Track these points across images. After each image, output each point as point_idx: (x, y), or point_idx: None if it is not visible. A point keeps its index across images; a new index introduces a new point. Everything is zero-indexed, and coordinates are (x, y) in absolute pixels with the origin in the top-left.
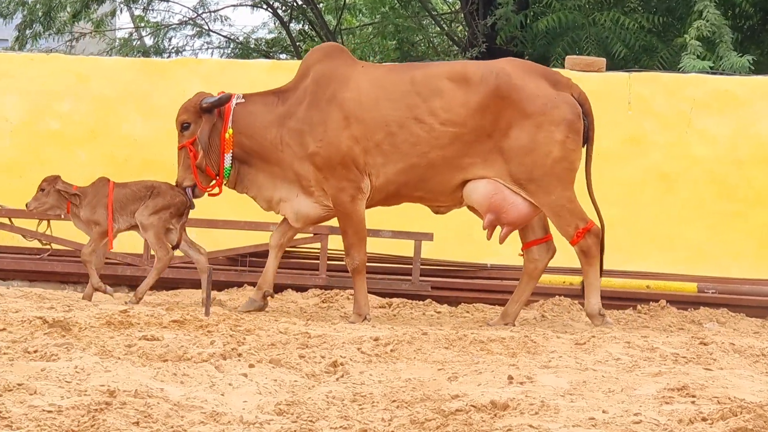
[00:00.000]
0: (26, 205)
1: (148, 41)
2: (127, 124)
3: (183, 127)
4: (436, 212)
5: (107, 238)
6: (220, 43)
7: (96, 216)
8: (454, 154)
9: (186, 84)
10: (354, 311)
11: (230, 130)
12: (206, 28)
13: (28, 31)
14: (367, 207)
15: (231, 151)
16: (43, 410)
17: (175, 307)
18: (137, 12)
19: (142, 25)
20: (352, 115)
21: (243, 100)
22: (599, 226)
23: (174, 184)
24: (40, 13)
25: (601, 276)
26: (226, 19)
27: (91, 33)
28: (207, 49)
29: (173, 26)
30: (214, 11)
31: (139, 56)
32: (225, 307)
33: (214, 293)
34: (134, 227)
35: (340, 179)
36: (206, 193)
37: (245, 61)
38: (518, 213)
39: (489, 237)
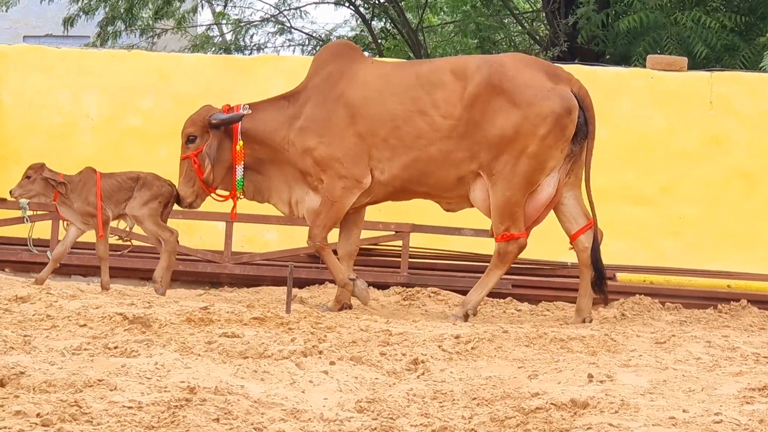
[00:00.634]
0: (10, 192)
1: (229, 38)
2: None
3: (189, 139)
4: (447, 210)
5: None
6: (301, 40)
7: (90, 207)
8: (450, 149)
9: (267, 81)
10: (336, 281)
11: (240, 142)
12: (288, 25)
13: (109, 28)
14: (374, 202)
15: (242, 162)
16: (124, 406)
17: (256, 304)
18: (218, 8)
19: (224, 21)
20: (359, 112)
21: (250, 111)
22: (590, 222)
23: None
24: (122, 10)
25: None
26: (306, 15)
27: (172, 30)
28: (288, 46)
29: (255, 23)
30: (296, 8)
31: (220, 53)
32: (306, 305)
33: (295, 290)
34: (119, 217)
35: (340, 171)
36: (200, 204)
37: None
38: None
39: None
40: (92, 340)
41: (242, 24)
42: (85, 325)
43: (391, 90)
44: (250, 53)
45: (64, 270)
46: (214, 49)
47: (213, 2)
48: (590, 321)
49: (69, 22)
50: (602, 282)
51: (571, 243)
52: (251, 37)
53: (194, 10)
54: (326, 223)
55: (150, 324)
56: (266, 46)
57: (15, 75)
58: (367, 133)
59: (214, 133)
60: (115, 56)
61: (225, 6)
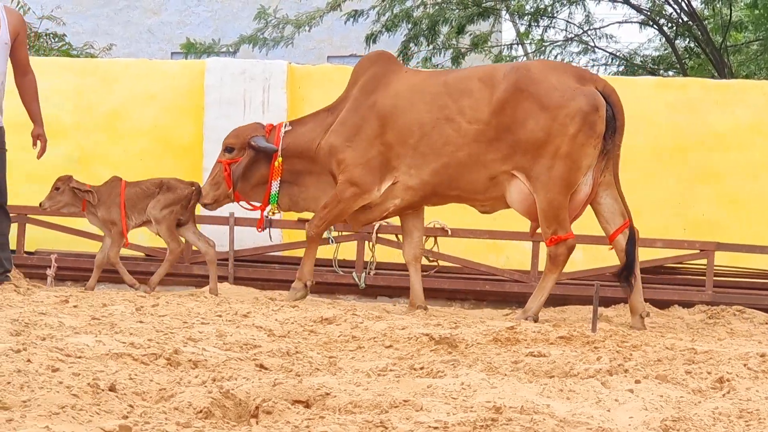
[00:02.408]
0: (40, 204)
1: (534, 59)
2: None
3: (227, 148)
4: (483, 212)
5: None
6: (605, 59)
7: (112, 216)
8: (479, 152)
9: None
10: (297, 277)
11: (279, 159)
12: (592, 44)
13: (412, 45)
14: (408, 208)
15: (279, 178)
16: (429, 426)
17: (562, 323)
18: (522, 28)
19: (528, 41)
20: (389, 121)
21: (290, 128)
22: (628, 220)
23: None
24: (424, 27)
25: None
26: (611, 37)
27: (475, 49)
28: (592, 66)
29: (558, 43)
30: (599, 28)
31: None
32: (612, 323)
33: (601, 309)
34: (146, 223)
35: (355, 178)
36: (217, 209)
37: (631, 78)
38: None
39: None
40: (398, 360)
41: (546, 44)
42: (390, 346)
43: (420, 99)
44: None
45: (371, 292)
46: None
47: (516, 22)
48: (647, 315)
49: (371, 38)
50: (629, 274)
51: (610, 242)
52: (555, 56)
53: (491, 28)
54: (328, 218)
55: (456, 344)
56: None
57: (319, 94)
58: (396, 141)
59: (248, 152)
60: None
61: (529, 26)
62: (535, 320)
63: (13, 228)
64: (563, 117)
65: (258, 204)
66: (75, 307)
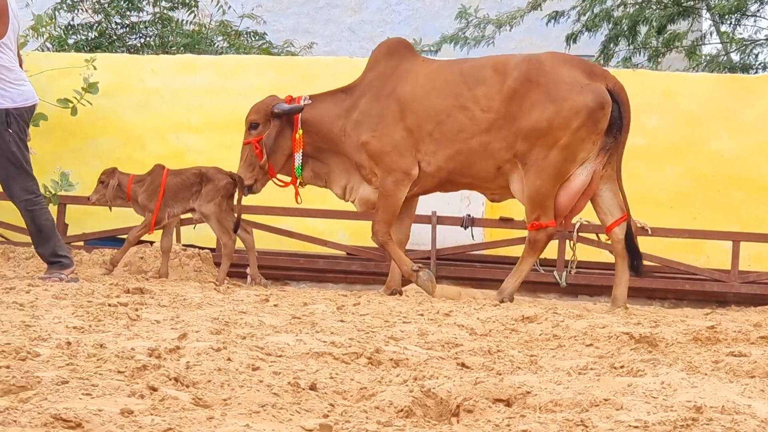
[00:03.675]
0: (88, 198)
1: (735, 57)
2: (715, 140)
3: (252, 126)
4: (492, 201)
5: (157, 224)
6: None
7: (151, 204)
8: (489, 140)
9: None
10: (402, 272)
11: (300, 131)
12: None
13: (612, 45)
14: (422, 193)
15: (301, 150)
16: (629, 426)
17: (763, 323)
18: (724, 28)
19: (727, 41)
20: (408, 107)
21: (310, 101)
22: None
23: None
24: (624, 27)
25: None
26: None
27: (677, 49)
28: None
29: (760, 42)
30: None
31: (725, 73)
32: None
33: None
34: (187, 212)
35: (390, 165)
36: (260, 189)
37: None
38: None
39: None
40: (598, 359)
41: (747, 43)
42: (591, 344)
43: (436, 86)
44: (755, 72)
45: (572, 290)
46: (719, 68)
47: (720, 22)
48: (626, 309)
49: (572, 38)
50: (638, 263)
51: (606, 234)
52: (756, 56)
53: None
54: (385, 218)
55: (656, 343)
56: None
57: None
58: (414, 127)
59: (275, 123)
60: (618, 75)
61: (734, 27)
62: (510, 301)
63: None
64: (568, 110)
65: (289, 179)
66: (275, 306)
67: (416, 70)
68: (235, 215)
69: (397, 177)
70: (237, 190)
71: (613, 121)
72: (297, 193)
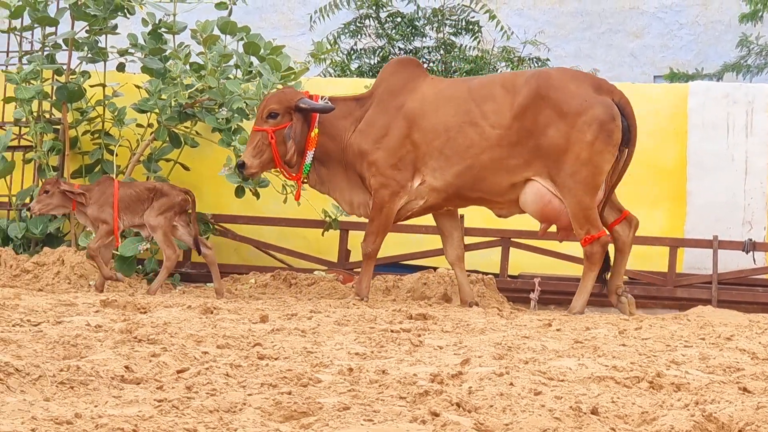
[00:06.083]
0: (29, 207)
1: None
2: None
3: (270, 114)
4: (499, 215)
5: (113, 236)
6: None
7: (104, 215)
8: (502, 156)
9: None
10: (354, 292)
11: (316, 130)
12: None
13: None
14: (434, 208)
15: (313, 149)
16: None
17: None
18: None
19: None
20: (416, 124)
21: (329, 103)
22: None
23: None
24: None
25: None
26: None
27: None
28: None
29: None
30: None
31: None
32: None
33: None
34: (136, 226)
35: (388, 177)
36: (258, 177)
37: None
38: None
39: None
40: None
41: None
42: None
43: (445, 103)
44: None
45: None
46: None
47: None
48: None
49: None
50: (605, 271)
51: (609, 231)
52: None
53: None
54: (379, 230)
55: None
56: None
57: None
58: (422, 143)
59: (297, 117)
60: None
61: None
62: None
63: (497, 251)
64: (581, 124)
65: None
66: (558, 330)
67: (425, 87)
68: (200, 233)
69: (394, 189)
70: (191, 206)
71: (622, 134)
72: (299, 193)
